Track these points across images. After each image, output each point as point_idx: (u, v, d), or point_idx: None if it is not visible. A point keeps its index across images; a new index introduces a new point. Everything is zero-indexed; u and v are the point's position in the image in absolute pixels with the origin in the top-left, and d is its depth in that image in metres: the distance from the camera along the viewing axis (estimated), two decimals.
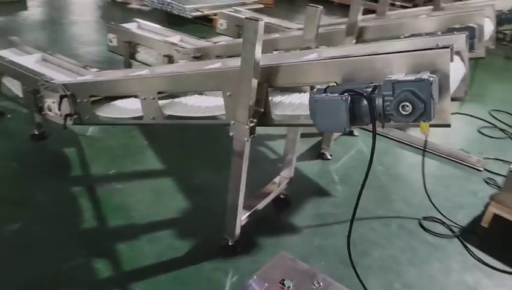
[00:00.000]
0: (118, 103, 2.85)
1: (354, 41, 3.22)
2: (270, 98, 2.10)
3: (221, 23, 5.09)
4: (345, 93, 1.63)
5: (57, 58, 3.63)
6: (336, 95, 1.64)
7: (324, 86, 1.74)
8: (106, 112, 2.80)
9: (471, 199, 3.22)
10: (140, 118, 2.54)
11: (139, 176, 3.12)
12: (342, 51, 2.27)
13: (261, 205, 2.62)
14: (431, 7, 4.07)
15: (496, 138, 4.22)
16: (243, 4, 7.19)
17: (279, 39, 3.67)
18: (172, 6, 6.88)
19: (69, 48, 5.51)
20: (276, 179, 2.85)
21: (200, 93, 2.61)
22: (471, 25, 2.71)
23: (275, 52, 3.06)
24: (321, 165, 3.48)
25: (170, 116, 2.47)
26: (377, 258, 2.56)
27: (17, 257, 2.31)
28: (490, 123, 4.47)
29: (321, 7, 2.42)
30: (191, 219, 2.74)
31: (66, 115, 2.87)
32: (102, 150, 3.37)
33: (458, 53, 2.01)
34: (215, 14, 6.43)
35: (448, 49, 1.64)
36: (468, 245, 2.71)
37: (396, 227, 2.85)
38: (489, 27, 3.09)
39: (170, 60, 4.05)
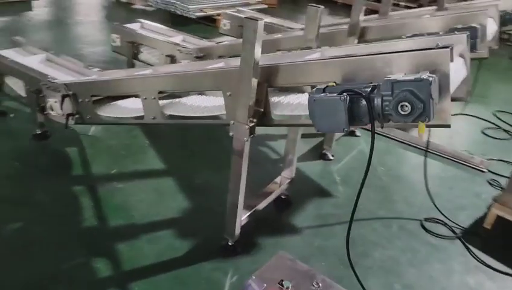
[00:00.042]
0: (120, 102, 2.85)
1: (356, 41, 3.21)
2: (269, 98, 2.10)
3: (225, 24, 5.09)
4: (344, 93, 1.63)
5: (60, 59, 3.64)
6: (335, 95, 1.64)
7: (323, 86, 1.73)
8: (108, 111, 2.81)
9: (474, 200, 3.19)
10: (141, 117, 2.55)
11: (141, 176, 3.12)
12: (342, 50, 2.26)
13: (261, 205, 2.61)
14: (435, 7, 4.05)
15: (499, 139, 4.19)
16: (247, 4, 7.20)
17: (282, 39, 3.67)
18: (176, 7, 6.90)
19: (74, 48, 5.54)
20: (277, 179, 2.84)
21: (201, 93, 2.61)
22: (473, 25, 2.70)
23: (277, 53, 3.05)
24: (323, 166, 3.46)
25: (171, 116, 2.47)
26: (378, 259, 2.55)
27: (18, 257, 2.32)
28: (494, 124, 4.44)
29: (322, 7, 2.42)
30: (191, 219, 2.74)
31: (68, 115, 2.88)
32: (104, 149, 3.38)
33: (459, 53, 2.00)
34: (218, 15, 6.42)
35: (448, 49, 1.63)
36: (470, 247, 2.69)
37: (397, 228, 2.83)
38: (492, 27, 3.07)
39: (173, 60, 4.06)
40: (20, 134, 3.45)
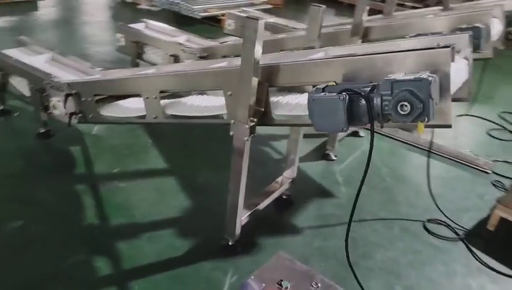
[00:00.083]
0: (122, 102, 2.86)
1: (360, 41, 3.20)
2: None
3: (229, 24, 5.08)
4: (343, 93, 1.62)
5: (65, 58, 3.66)
6: (334, 94, 1.63)
7: (323, 86, 1.72)
8: (110, 111, 2.82)
9: (478, 201, 3.16)
10: (143, 117, 2.55)
11: (142, 175, 3.13)
12: (343, 50, 2.24)
13: (262, 205, 2.61)
14: (440, 8, 4.03)
15: (505, 140, 4.15)
16: (252, 5, 7.20)
17: (285, 39, 3.66)
18: (181, 7, 6.92)
19: (80, 48, 5.58)
20: (279, 179, 2.83)
21: (203, 93, 2.61)
22: (477, 25, 2.67)
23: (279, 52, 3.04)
24: (325, 166, 3.45)
25: (172, 116, 2.47)
26: (379, 260, 2.54)
27: (19, 255, 2.33)
28: (499, 125, 4.40)
29: (324, 6, 2.40)
30: (192, 218, 2.74)
31: (71, 114, 2.90)
32: (106, 148, 3.39)
33: (461, 53, 1.98)
34: (223, 15, 6.44)
35: (449, 49, 1.61)
36: (473, 248, 2.67)
37: (399, 229, 2.81)
38: (497, 27, 3.04)
39: (176, 59, 4.07)
40: (24, 133, 3.47)
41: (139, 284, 2.20)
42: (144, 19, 4.93)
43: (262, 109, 2.12)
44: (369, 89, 1.62)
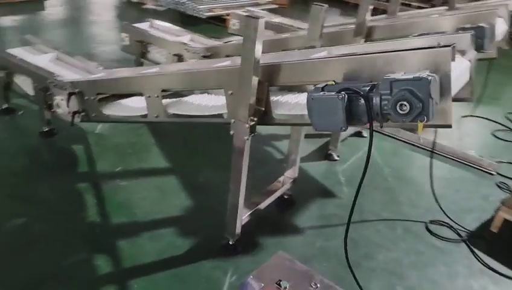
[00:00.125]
0: (124, 101, 2.87)
1: (363, 41, 3.18)
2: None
3: (234, 23, 5.08)
4: (342, 92, 1.61)
5: (69, 57, 3.68)
6: (333, 93, 1.62)
7: (322, 85, 1.72)
8: (112, 109, 2.83)
9: (481, 203, 3.14)
10: (145, 116, 2.56)
11: (144, 174, 3.14)
12: (345, 49, 2.23)
13: (263, 205, 2.60)
14: (446, 7, 4.00)
15: (510, 141, 4.11)
16: (257, 5, 7.20)
17: (288, 39, 3.65)
18: (186, 7, 6.93)
19: (85, 47, 5.61)
20: (280, 179, 2.83)
21: (205, 92, 2.61)
22: (481, 24, 2.64)
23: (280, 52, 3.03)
24: (328, 166, 3.44)
25: (174, 115, 2.47)
26: (381, 261, 2.52)
27: (21, 253, 2.35)
28: (505, 126, 4.36)
29: (326, 5, 2.39)
30: (193, 217, 2.74)
31: (74, 112, 2.91)
32: (109, 147, 3.40)
33: (463, 53, 1.97)
34: (228, 15, 6.44)
35: (449, 48, 1.60)
36: (476, 250, 2.65)
37: (402, 230, 2.79)
38: (502, 27, 3.01)
39: (180, 59, 4.07)
40: (28, 131, 3.49)
41: (138, 283, 2.21)
42: (149, 19, 4.95)
43: (263, 109, 2.11)
44: (368, 88, 1.61)
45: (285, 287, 1.91)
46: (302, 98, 1.99)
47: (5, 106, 3.72)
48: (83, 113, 2.92)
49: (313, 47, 2.48)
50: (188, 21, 6.73)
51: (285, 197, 2.89)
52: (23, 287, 2.16)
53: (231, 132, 2.15)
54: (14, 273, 2.22)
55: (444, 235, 2.76)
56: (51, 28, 6.48)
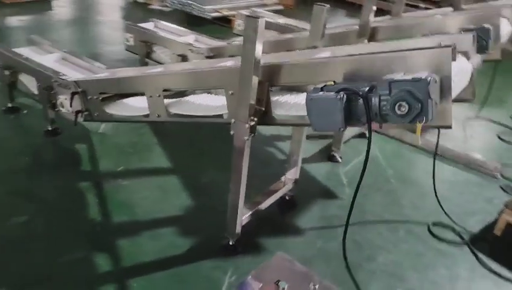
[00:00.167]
0: (127, 100, 2.87)
1: (366, 42, 3.17)
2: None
3: (239, 24, 5.10)
4: (341, 92, 1.60)
5: (74, 57, 3.70)
6: (332, 93, 1.62)
7: (321, 85, 1.71)
8: (115, 109, 2.84)
9: (485, 205, 3.11)
10: (147, 116, 2.57)
11: (146, 173, 3.15)
12: (345, 50, 2.23)
13: (264, 205, 2.60)
14: (451, 9, 3.97)
15: None
16: (263, 5, 7.19)
17: (291, 39, 3.65)
18: (192, 7, 6.94)
19: (91, 47, 5.65)
20: (281, 180, 2.82)
21: (208, 92, 2.61)
22: (485, 25, 2.62)
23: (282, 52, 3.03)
24: (330, 167, 3.43)
25: (175, 115, 2.48)
26: (382, 263, 2.50)
27: (21, 249, 2.37)
28: (511, 128, 4.31)
29: (328, 6, 2.38)
30: (194, 217, 2.74)
31: (77, 112, 2.92)
32: (112, 146, 3.42)
33: (465, 53, 1.95)
34: (233, 15, 6.45)
35: (450, 48, 1.59)
36: (478, 253, 2.62)
37: (404, 232, 2.77)
38: (507, 28, 2.99)
39: (184, 59, 4.08)
40: (32, 130, 3.52)
41: (138, 282, 2.21)
42: (153, 19, 4.97)
43: (263, 109, 2.11)
44: (367, 89, 1.60)
45: (284, 288, 1.91)
46: (301, 98, 1.99)
47: (9, 104, 3.75)
48: (86, 113, 2.94)
49: (315, 47, 2.48)
50: (193, 21, 6.75)
51: (287, 198, 2.88)
52: (24, 281, 2.18)
53: (231, 132, 2.15)
54: (15, 270, 2.23)
55: (446, 237, 2.74)
56: (57, 28, 6.52)
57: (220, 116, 2.28)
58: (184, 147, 3.57)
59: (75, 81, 2.91)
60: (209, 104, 2.43)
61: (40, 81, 3.23)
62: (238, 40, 4.67)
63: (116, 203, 2.77)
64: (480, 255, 2.61)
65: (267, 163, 3.43)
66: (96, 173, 3.09)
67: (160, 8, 7.83)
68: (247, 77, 2.00)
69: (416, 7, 8.09)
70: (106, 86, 2.83)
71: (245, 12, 5.34)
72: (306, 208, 2.90)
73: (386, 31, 3.19)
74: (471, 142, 4.04)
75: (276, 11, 6.87)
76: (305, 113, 1.73)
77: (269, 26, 4.65)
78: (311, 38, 2.47)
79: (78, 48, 5.42)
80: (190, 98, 2.56)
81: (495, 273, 2.49)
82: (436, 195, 2.90)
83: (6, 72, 3.54)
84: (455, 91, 1.76)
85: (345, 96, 1.59)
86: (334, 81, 1.74)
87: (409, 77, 1.51)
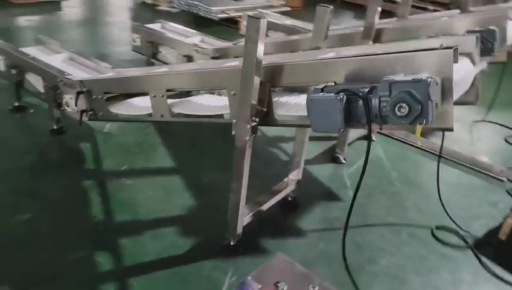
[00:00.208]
0: (131, 100, 2.89)
1: (371, 43, 3.15)
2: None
3: (245, 25, 5.09)
4: (341, 93, 1.60)
5: (81, 57, 3.73)
6: (332, 94, 1.61)
7: (322, 86, 1.71)
8: (119, 108, 2.85)
9: (490, 209, 3.07)
10: (150, 115, 2.58)
11: (150, 173, 3.16)
12: (348, 51, 2.22)
13: (265, 206, 2.59)
14: (459, 11, 3.94)
15: None
16: (270, 7, 7.20)
17: (298, 40, 3.64)
18: (199, 8, 6.97)
19: (99, 47, 5.69)
20: (284, 181, 2.81)
21: (212, 92, 2.62)
22: (491, 27, 2.59)
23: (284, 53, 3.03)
24: (334, 169, 3.41)
25: (178, 114, 2.49)
26: (384, 266, 2.49)
27: (24, 247, 2.38)
28: None
29: (331, 7, 2.38)
30: (196, 217, 2.75)
31: (82, 111, 2.95)
32: (116, 146, 3.44)
33: (468, 55, 1.94)
34: (240, 16, 6.46)
35: (451, 50, 1.57)
36: (482, 257, 2.59)
37: (406, 235, 2.75)
38: None
39: (190, 59, 4.10)
40: (38, 129, 3.55)
41: (138, 281, 2.21)
42: (160, 20, 4.99)
43: (265, 109, 2.11)
44: (367, 90, 1.59)
45: (283, 289, 1.91)
46: (302, 99, 1.99)
47: (16, 103, 3.79)
48: (91, 112, 2.95)
49: (318, 48, 2.47)
50: (201, 22, 6.78)
51: (289, 199, 2.88)
52: (24, 278, 2.19)
53: (233, 132, 2.15)
54: (19, 268, 2.25)
55: (450, 241, 2.71)
56: (66, 28, 6.58)
57: (222, 116, 2.29)
58: (188, 147, 3.58)
59: (80, 81, 2.94)
60: (211, 104, 2.43)
61: (46, 81, 3.26)
62: (243, 41, 4.68)
63: (119, 202, 2.78)
64: (484, 259, 2.58)
65: (270, 164, 3.43)
66: (100, 172, 3.11)
67: (168, 9, 7.88)
68: (248, 77, 2.00)
69: (425, 9, 8.04)
70: (110, 86, 2.85)
71: (251, 13, 5.34)
72: (308, 209, 2.89)
73: (391, 33, 3.17)
74: (478, 145, 4.01)
75: (283, 13, 6.88)
76: (306, 114, 1.73)
77: (275, 27, 4.67)
78: (314, 40, 2.46)
79: (87, 48, 5.48)
80: (193, 98, 2.57)
81: (499, 277, 2.46)
82: (440, 198, 2.87)
83: (13, 71, 3.58)
84: (457, 93, 1.74)
85: (344, 97, 1.59)
86: (334, 82, 1.74)
87: (409, 78, 1.50)
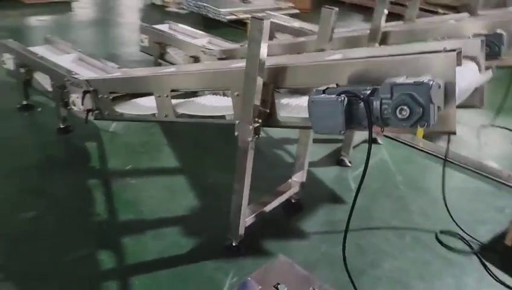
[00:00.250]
0: (137, 100, 2.91)
1: (377, 45, 3.14)
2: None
3: None
4: (342, 95, 1.59)
5: (88, 57, 3.76)
6: (333, 96, 1.60)
7: (324, 87, 1.70)
8: (125, 108, 2.87)
9: (497, 215, 3.04)
10: (155, 115, 2.59)
11: (154, 173, 3.18)
12: (352, 53, 2.21)
13: (268, 207, 2.59)
14: (468, 14, 3.91)
15: None
16: (278, 9, 7.20)
17: (305, 42, 3.64)
18: (208, 10, 7.00)
19: (108, 48, 5.73)
20: (287, 183, 2.81)
21: (216, 93, 2.63)
22: (498, 31, 2.57)
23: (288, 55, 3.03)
24: (339, 172, 3.40)
25: (182, 115, 2.50)
26: (387, 270, 2.47)
27: (29, 244, 2.41)
28: None
29: (336, 9, 2.37)
30: (199, 218, 2.75)
31: (88, 110, 2.97)
32: (121, 145, 3.46)
33: (473, 59, 1.92)
34: (248, 18, 6.46)
35: (454, 53, 1.56)
36: (487, 263, 2.56)
37: (411, 239, 2.73)
38: None
39: (196, 60, 4.11)
40: (45, 128, 3.59)
41: (140, 280, 2.22)
42: (168, 21, 5.02)
43: (268, 110, 2.11)
44: (369, 92, 1.58)
45: None
46: (304, 100, 1.98)
47: (24, 102, 3.83)
48: (96, 111, 2.98)
49: (322, 50, 2.47)
50: (210, 24, 6.80)
51: (293, 201, 2.87)
52: (26, 276, 2.21)
53: (236, 133, 2.15)
54: (21, 264, 2.27)
55: (455, 246, 2.68)
56: (76, 29, 6.65)
57: (224, 117, 2.29)
58: (193, 147, 3.59)
59: (86, 80, 2.96)
60: (215, 104, 2.44)
61: (53, 80, 3.29)
62: None
63: (123, 201, 2.80)
64: (490, 265, 2.54)
65: (275, 166, 3.43)
66: (105, 171, 3.13)
67: (176, 10, 7.92)
68: (251, 78, 2.00)
69: (435, 13, 7.99)
70: (116, 85, 2.87)
71: (260, 15, 5.34)
72: (312, 211, 2.88)
73: (397, 36, 3.15)
74: (486, 150, 3.96)
75: (291, 15, 6.88)
76: (307, 115, 1.72)
77: (283, 29, 4.67)
78: (319, 41, 2.46)
79: (96, 48, 5.53)
80: (197, 99, 2.58)
81: (504, 284, 2.42)
82: (445, 202, 2.84)
83: (22, 70, 3.61)
84: (460, 97, 1.73)
85: (346, 99, 1.58)
86: (337, 84, 1.73)
87: (410, 80, 1.49)
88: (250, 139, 2.10)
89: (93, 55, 3.76)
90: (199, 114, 2.43)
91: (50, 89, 3.40)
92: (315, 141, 2.76)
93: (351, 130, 1.68)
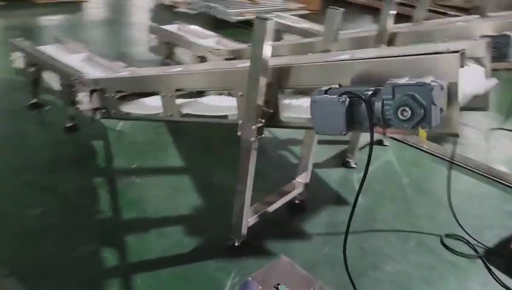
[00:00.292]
0: (143, 99, 2.93)
1: (384, 46, 3.12)
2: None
3: None
4: (344, 95, 1.58)
5: (96, 56, 3.79)
6: (334, 96, 1.60)
7: (326, 88, 1.70)
8: (131, 107, 2.89)
9: (504, 219, 3.00)
10: (160, 114, 2.61)
11: (159, 172, 3.19)
12: (356, 54, 2.20)
13: (271, 208, 2.59)
14: (477, 16, 3.87)
15: None
16: (288, 10, 7.19)
17: (314, 43, 3.62)
18: (217, 10, 7.01)
19: (118, 47, 5.78)
20: (291, 184, 2.80)
21: (221, 93, 2.63)
22: (506, 33, 2.54)
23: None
24: (344, 173, 3.38)
25: (186, 114, 2.51)
26: (389, 273, 2.45)
27: (34, 240, 2.43)
28: None
29: (342, 9, 2.36)
30: (203, 217, 2.76)
31: (95, 109, 3.00)
32: (128, 144, 3.49)
33: (479, 60, 1.90)
34: None
35: (458, 54, 1.55)
36: (492, 268, 2.53)
37: (415, 243, 2.71)
38: None
39: (204, 61, 4.12)
40: (53, 126, 3.63)
41: (142, 277, 2.23)
42: (177, 21, 5.04)
43: (271, 111, 2.11)
44: (371, 92, 1.57)
45: None
46: (306, 101, 1.98)
47: (33, 100, 3.87)
48: (103, 110, 3.01)
49: (328, 51, 2.46)
50: (219, 25, 6.80)
51: (297, 201, 2.86)
52: (28, 273, 2.23)
53: (239, 133, 2.16)
54: (25, 259, 2.30)
55: (460, 250, 2.65)
56: (86, 28, 6.71)
57: (228, 116, 2.29)
58: (198, 147, 3.60)
59: (93, 79, 2.99)
60: (220, 104, 2.45)
61: (61, 79, 3.32)
62: None
63: (128, 200, 2.82)
64: (495, 269, 2.51)
65: (280, 166, 3.42)
66: (111, 170, 3.16)
67: (186, 10, 7.95)
68: (255, 78, 2.00)
69: (445, 14, 7.92)
70: (122, 85, 2.89)
71: (269, 16, 5.33)
72: (315, 213, 2.87)
73: (405, 37, 3.13)
74: (494, 154, 3.91)
75: (301, 16, 6.87)
76: (309, 116, 1.72)
77: (291, 30, 4.66)
78: (324, 42, 2.45)
79: (106, 48, 5.57)
80: (201, 99, 2.59)
81: (508, 289, 2.39)
82: (450, 205, 2.81)
83: (31, 69, 3.66)
84: (465, 99, 1.71)
85: (347, 99, 1.57)
86: (339, 84, 1.73)
87: (413, 81, 1.48)
88: (253, 139, 2.11)
89: (102, 55, 3.79)
90: (203, 114, 2.43)
91: (58, 88, 3.43)
92: (321, 142, 2.75)
93: (353, 131, 1.67)
